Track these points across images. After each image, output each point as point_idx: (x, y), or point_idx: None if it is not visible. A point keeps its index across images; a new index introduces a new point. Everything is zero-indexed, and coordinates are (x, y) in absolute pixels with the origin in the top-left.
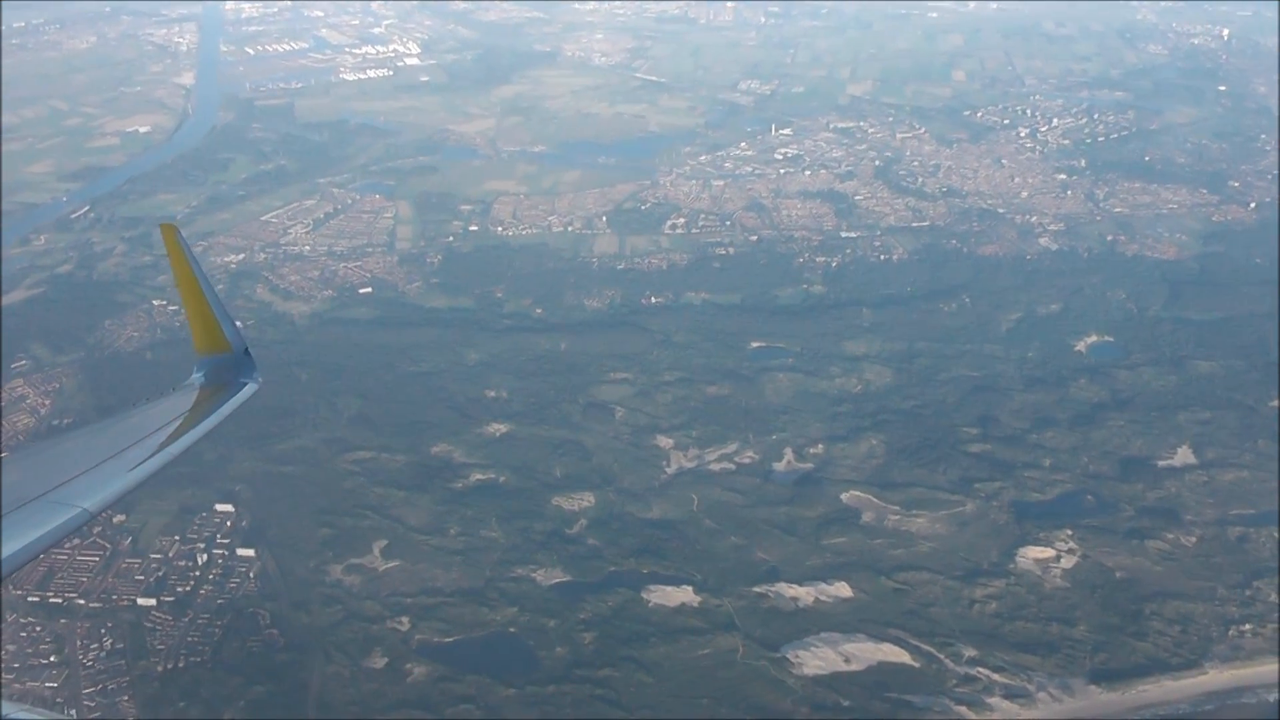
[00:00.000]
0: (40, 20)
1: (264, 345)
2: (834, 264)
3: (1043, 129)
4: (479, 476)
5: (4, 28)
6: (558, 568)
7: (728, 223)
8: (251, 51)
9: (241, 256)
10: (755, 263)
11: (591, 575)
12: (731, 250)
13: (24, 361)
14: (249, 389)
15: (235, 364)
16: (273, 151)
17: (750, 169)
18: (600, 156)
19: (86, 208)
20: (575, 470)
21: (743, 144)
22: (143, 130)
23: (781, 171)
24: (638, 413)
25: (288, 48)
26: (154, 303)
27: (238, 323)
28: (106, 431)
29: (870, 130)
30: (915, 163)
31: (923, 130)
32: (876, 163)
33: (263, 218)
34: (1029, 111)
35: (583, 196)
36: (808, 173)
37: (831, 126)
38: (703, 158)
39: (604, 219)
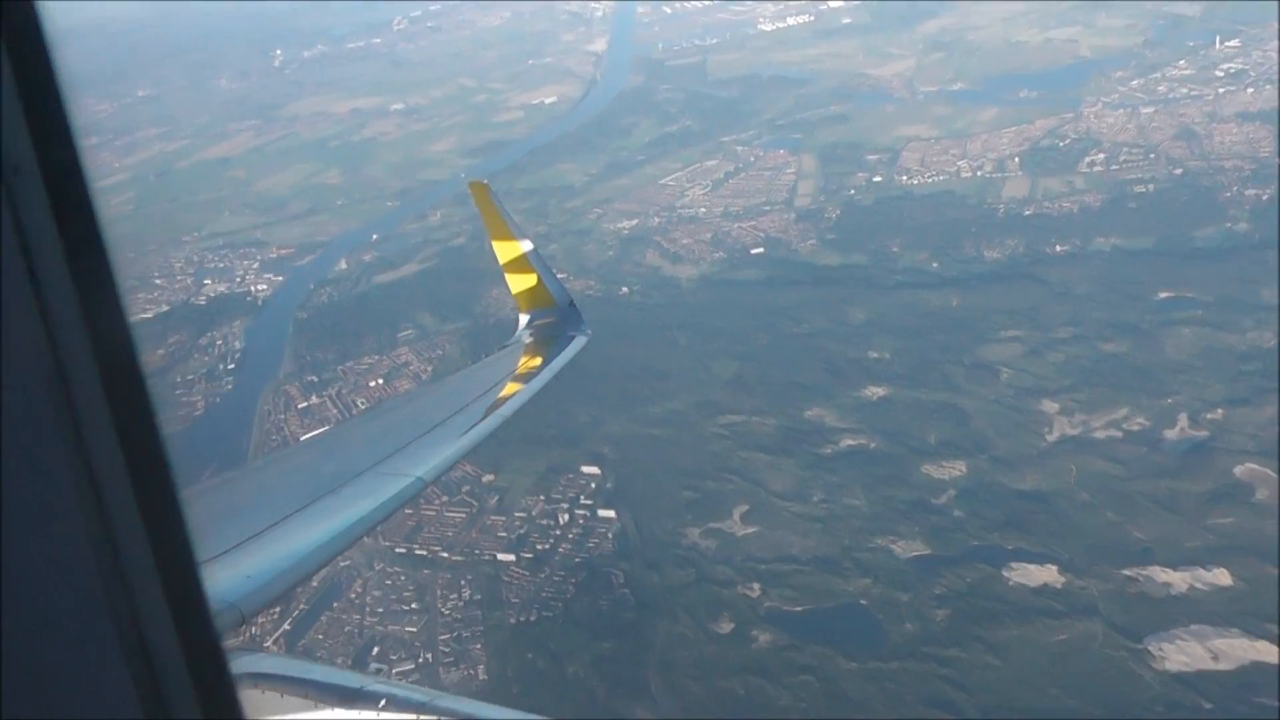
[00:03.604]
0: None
1: (647, 310)
2: (1264, 197)
3: None
4: (849, 442)
5: (419, 12)
6: (918, 539)
7: (1151, 155)
8: (669, 10)
9: (635, 222)
10: (1176, 200)
11: (952, 549)
12: (1151, 187)
13: (410, 330)
14: (579, 342)
15: (561, 318)
16: (678, 112)
17: (1186, 90)
18: (1022, 90)
19: (485, 182)
20: (950, 436)
21: (1181, 62)
22: (548, 101)
23: (1220, 91)
24: (1024, 374)
25: (706, 3)
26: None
27: (629, 283)
28: (434, 397)
29: None
30: None
31: None
32: None
33: (661, 181)
34: None
35: (997, 136)
36: (1250, 90)
37: None
38: (1134, 82)
39: (1016, 160)
